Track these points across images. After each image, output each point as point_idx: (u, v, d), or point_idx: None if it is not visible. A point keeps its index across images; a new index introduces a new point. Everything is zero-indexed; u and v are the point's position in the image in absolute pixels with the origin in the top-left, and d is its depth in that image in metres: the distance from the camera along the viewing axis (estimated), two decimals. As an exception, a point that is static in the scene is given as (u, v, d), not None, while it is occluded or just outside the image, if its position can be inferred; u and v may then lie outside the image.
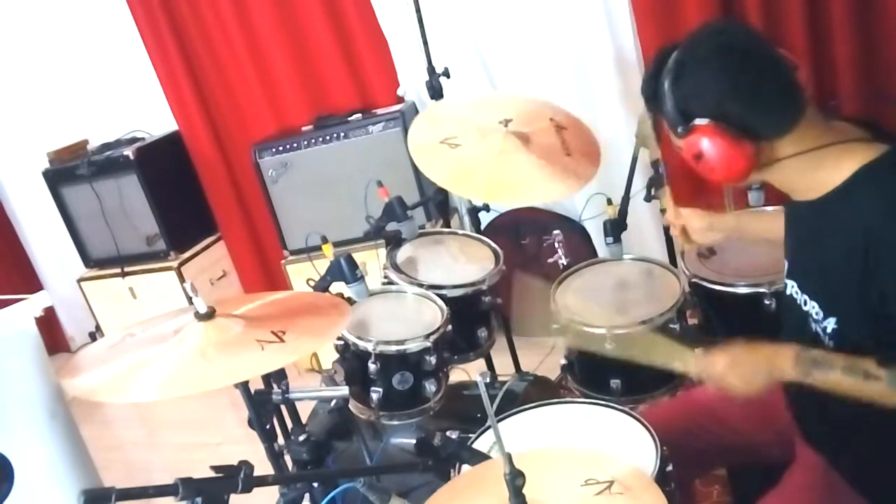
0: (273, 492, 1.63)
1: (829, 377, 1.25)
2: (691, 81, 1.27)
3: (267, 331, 1.42)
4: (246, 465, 1.21)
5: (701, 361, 1.40)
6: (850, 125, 1.31)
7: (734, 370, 1.34)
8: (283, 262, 3.42)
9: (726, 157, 1.26)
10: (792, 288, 1.42)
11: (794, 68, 1.28)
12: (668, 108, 1.29)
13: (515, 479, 1.08)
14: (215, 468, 1.21)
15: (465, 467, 1.40)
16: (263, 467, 1.45)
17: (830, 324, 1.31)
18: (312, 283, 1.94)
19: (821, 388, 1.26)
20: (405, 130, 3.14)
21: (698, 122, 1.26)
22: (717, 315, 1.87)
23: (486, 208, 2.68)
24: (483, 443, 1.54)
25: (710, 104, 1.26)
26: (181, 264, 3.67)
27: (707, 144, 1.26)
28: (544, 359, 2.72)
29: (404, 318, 1.96)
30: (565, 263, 2.17)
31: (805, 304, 1.37)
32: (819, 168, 1.28)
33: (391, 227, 2.20)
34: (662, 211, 2.25)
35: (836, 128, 1.30)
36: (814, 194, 1.31)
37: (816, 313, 1.34)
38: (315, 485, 1.65)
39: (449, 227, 3.05)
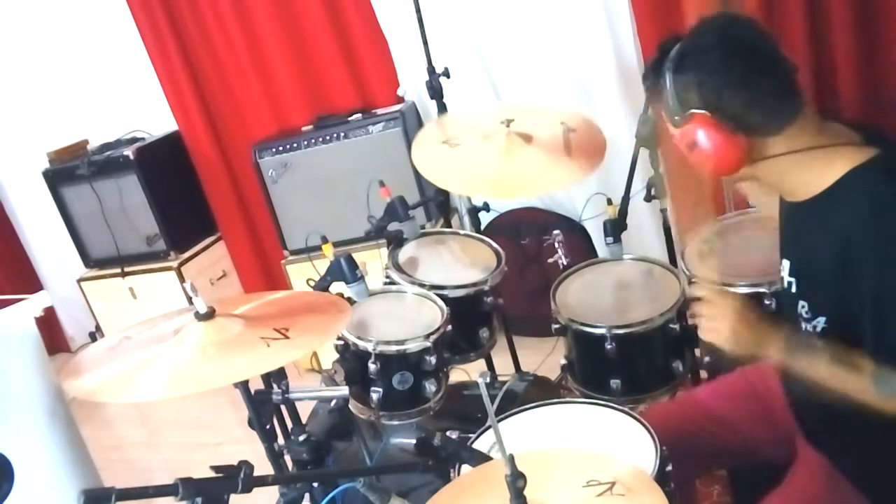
0: (273, 492, 1.62)
1: (814, 365, 1.26)
2: (692, 72, 1.29)
3: (270, 328, 1.43)
4: (246, 465, 1.21)
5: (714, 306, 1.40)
6: (845, 128, 1.32)
7: (734, 330, 1.35)
8: (283, 262, 3.42)
9: (719, 149, 1.29)
10: (788, 286, 1.43)
11: (794, 70, 1.29)
12: (667, 96, 1.31)
13: (517, 481, 1.07)
14: (215, 468, 1.21)
15: (466, 468, 1.40)
16: (263, 467, 1.45)
17: (820, 323, 1.33)
18: (312, 283, 1.94)
19: (807, 378, 1.27)
20: (405, 130, 3.15)
21: (695, 112, 1.28)
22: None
23: (486, 208, 2.67)
24: (483, 443, 1.54)
25: (708, 96, 1.28)
26: (181, 264, 3.67)
27: (702, 135, 1.29)
28: (545, 359, 2.72)
29: (404, 318, 1.96)
30: (565, 263, 2.17)
31: (796, 302, 1.38)
32: (809, 169, 1.29)
33: (393, 226, 2.20)
34: (663, 210, 2.26)
35: (831, 130, 1.31)
36: (802, 195, 1.32)
37: (807, 312, 1.36)
38: (315, 485, 1.65)
39: (450, 226, 3.05)
